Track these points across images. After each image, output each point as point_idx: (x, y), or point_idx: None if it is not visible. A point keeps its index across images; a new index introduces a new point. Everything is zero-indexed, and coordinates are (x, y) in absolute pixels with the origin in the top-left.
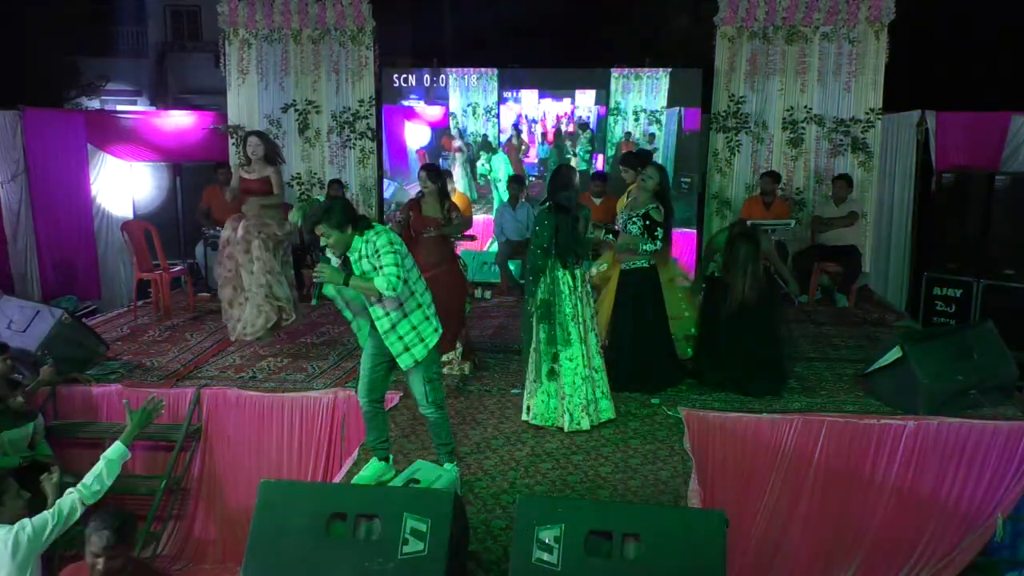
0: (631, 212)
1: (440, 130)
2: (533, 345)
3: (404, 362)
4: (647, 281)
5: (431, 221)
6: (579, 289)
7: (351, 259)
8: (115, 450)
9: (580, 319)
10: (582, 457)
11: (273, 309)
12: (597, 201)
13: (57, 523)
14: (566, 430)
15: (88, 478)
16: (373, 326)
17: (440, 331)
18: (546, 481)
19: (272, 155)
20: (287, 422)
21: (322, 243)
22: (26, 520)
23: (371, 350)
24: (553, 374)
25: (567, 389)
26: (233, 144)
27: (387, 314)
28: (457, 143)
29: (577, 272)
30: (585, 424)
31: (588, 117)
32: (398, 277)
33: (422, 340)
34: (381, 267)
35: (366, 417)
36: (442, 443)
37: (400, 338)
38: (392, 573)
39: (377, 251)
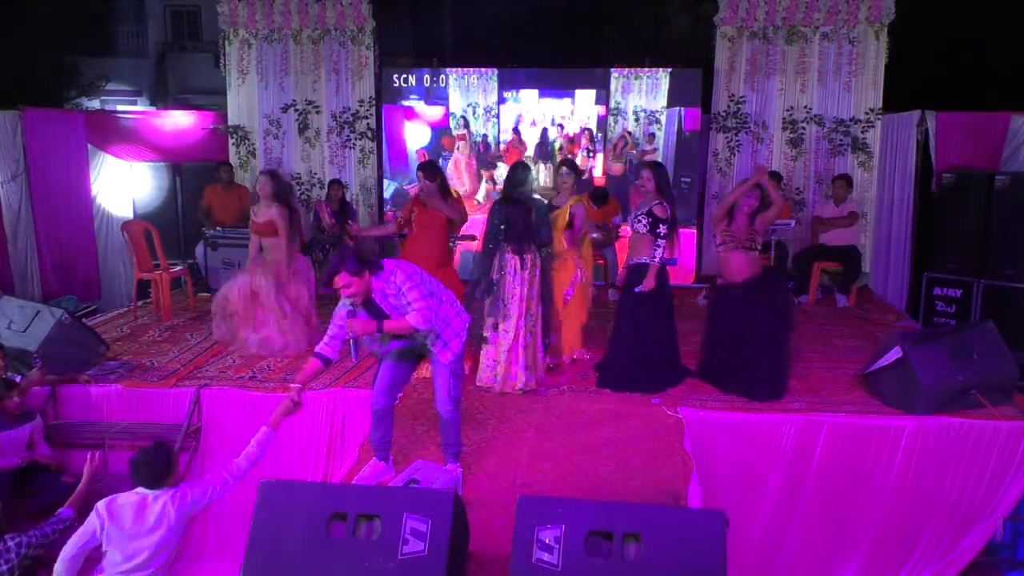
0: (636, 211)
1: (440, 130)
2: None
3: (446, 357)
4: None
5: (436, 210)
6: (526, 272)
7: (375, 300)
8: (263, 433)
9: (524, 298)
10: (582, 457)
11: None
12: (595, 207)
13: (212, 496)
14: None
15: (240, 459)
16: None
17: (466, 316)
18: (546, 481)
19: (279, 194)
20: (287, 422)
21: (343, 295)
22: (186, 487)
23: (396, 352)
24: (485, 340)
25: (502, 356)
26: (233, 144)
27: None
28: (461, 131)
29: (527, 257)
30: (507, 388)
31: (587, 118)
32: (430, 309)
33: (457, 334)
34: (410, 303)
35: (379, 415)
36: (450, 443)
37: (438, 336)
38: (392, 573)
39: (400, 288)
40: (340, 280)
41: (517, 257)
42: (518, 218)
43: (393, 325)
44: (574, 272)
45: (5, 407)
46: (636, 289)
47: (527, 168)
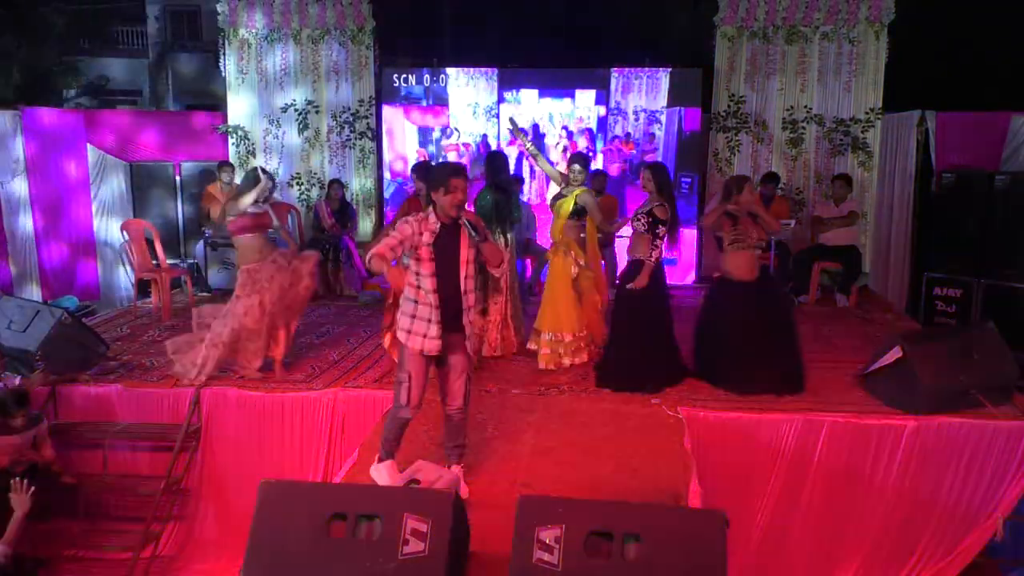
0: (638, 210)
1: (441, 130)
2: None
3: (466, 357)
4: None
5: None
6: (508, 249)
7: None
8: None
9: (507, 273)
10: (582, 457)
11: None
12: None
13: None
14: (483, 354)
15: None
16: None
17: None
18: (546, 481)
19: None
20: (287, 422)
21: (456, 195)
22: None
23: (418, 362)
24: (485, 312)
25: (497, 325)
26: (233, 144)
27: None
28: (450, 142)
29: (509, 236)
30: (499, 351)
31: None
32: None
33: (464, 330)
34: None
35: (404, 427)
36: (458, 445)
37: (469, 319)
38: (392, 573)
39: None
40: (460, 181)
41: (502, 237)
42: (503, 201)
43: (493, 244)
44: (569, 262)
45: (10, 424)
46: (628, 285)
47: (503, 156)
